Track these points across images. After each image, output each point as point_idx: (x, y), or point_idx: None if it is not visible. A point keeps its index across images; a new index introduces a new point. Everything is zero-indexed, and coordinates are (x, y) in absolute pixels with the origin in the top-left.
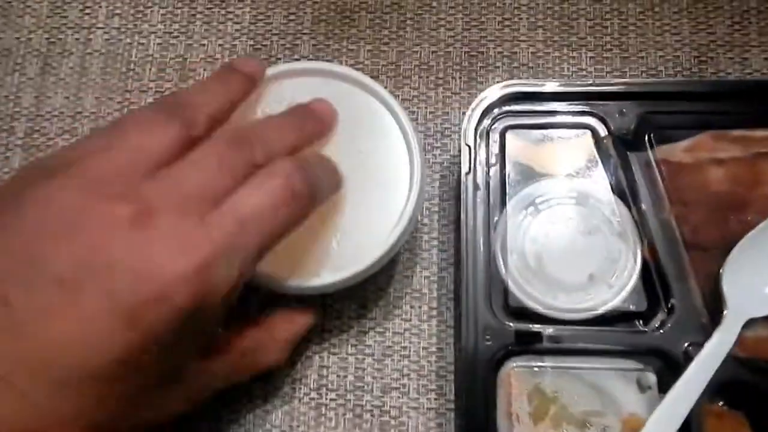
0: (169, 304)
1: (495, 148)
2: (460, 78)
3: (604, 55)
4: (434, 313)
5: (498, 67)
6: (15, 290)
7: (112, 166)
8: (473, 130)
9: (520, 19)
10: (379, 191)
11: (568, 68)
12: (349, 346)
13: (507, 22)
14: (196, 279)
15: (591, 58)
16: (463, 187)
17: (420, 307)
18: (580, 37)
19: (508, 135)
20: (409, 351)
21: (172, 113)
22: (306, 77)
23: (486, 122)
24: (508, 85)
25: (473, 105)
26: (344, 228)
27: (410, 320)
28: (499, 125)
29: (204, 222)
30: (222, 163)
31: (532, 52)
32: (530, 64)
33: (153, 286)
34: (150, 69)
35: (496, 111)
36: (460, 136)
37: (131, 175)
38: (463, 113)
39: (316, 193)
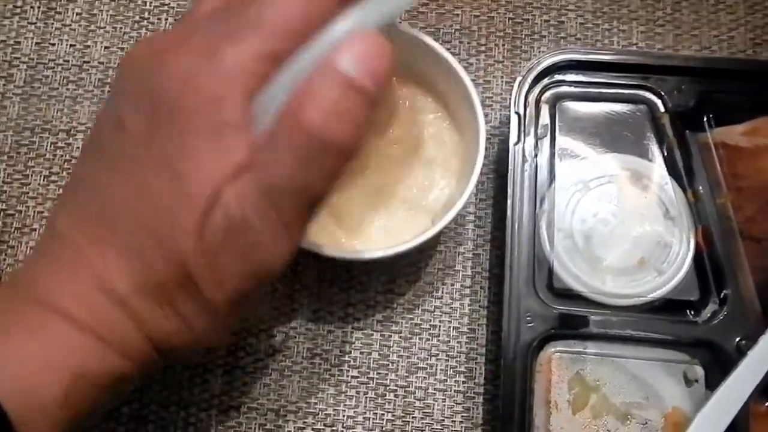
0: None
1: (545, 119)
2: (504, 45)
3: (656, 30)
4: (467, 291)
5: (544, 36)
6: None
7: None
8: (524, 98)
9: None
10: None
11: (617, 42)
12: (375, 322)
13: None
14: None
15: (642, 32)
16: (510, 158)
17: (453, 285)
18: (631, 9)
19: (560, 106)
20: (439, 330)
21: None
22: None
23: (536, 90)
24: (562, 51)
25: (524, 71)
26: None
27: (441, 298)
28: (551, 95)
29: None
30: None
31: (580, 23)
32: (578, 35)
33: None
34: (166, 19)
35: (547, 80)
36: (510, 103)
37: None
38: (506, 83)
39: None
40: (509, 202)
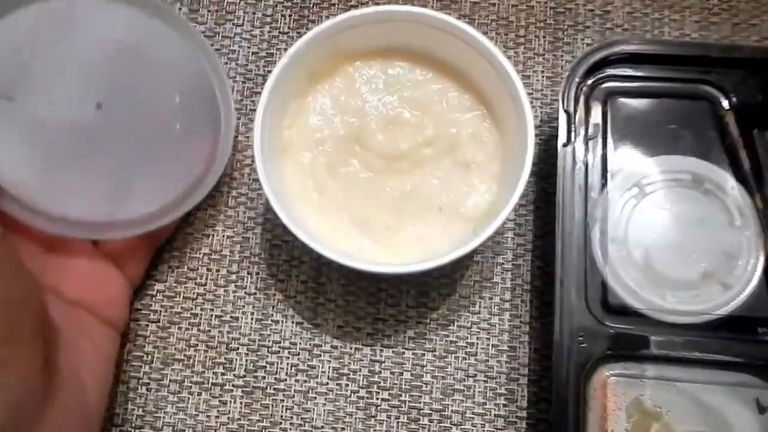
0: None
1: (596, 117)
2: (544, 38)
3: (711, 20)
4: (507, 306)
5: (588, 27)
6: None
7: None
8: (573, 94)
9: None
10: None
11: (669, 32)
12: (407, 339)
13: None
14: None
15: (695, 22)
16: (559, 160)
17: (491, 299)
18: None
19: (612, 103)
20: (476, 348)
21: None
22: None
23: (586, 86)
24: (614, 43)
25: (573, 64)
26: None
27: (479, 313)
28: (602, 90)
29: None
30: None
31: (627, 12)
32: (626, 26)
33: None
34: (179, 7)
35: (597, 74)
36: (559, 99)
37: None
38: (547, 78)
39: None
40: (558, 209)
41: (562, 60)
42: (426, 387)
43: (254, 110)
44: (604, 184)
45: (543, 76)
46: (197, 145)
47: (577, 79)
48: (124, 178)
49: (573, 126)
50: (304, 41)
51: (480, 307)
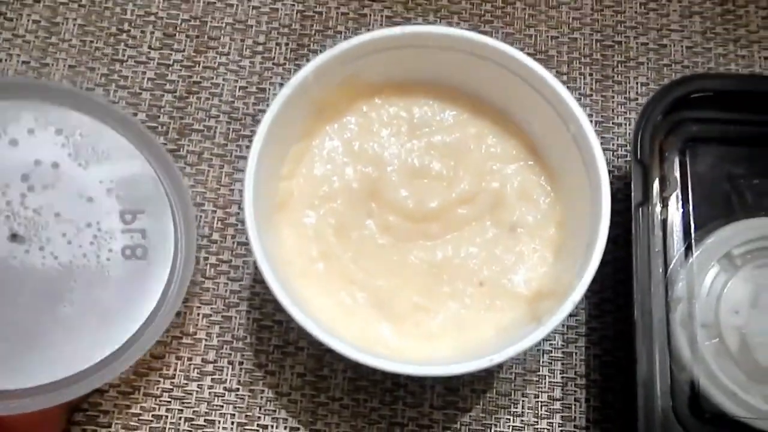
0: None
1: (674, 170)
2: (591, 75)
3: None
4: (557, 406)
5: (642, 63)
6: None
7: None
8: (648, 142)
9: (670, 1)
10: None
11: (735, 69)
12: None
13: (653, 4)
14: None
15: (766, 58)
16: (634, 224)
17: (537, 397)
18: (750, 30)
19: (692, 151)
20: None
21: None
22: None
23: (661, 132)
24: (693, 78)
25: (646, 104)
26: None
27: (522, 416)
28: (679, 138)
29: None
30: None
31: (687, 47)
32: (685, 62)
33: None
34: (153, 33)
35: (674, 117)
36: (634, 151)
37: None
38: (597, 122)
39: None
40: (635, 287)
41: (612, 102)
42: None
43: (241, 157)
44: (687, 255)
45: (593, 120)
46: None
47: (653, 123)
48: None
49: (650, 181)
50: (311, 68)
51: (524, 407)
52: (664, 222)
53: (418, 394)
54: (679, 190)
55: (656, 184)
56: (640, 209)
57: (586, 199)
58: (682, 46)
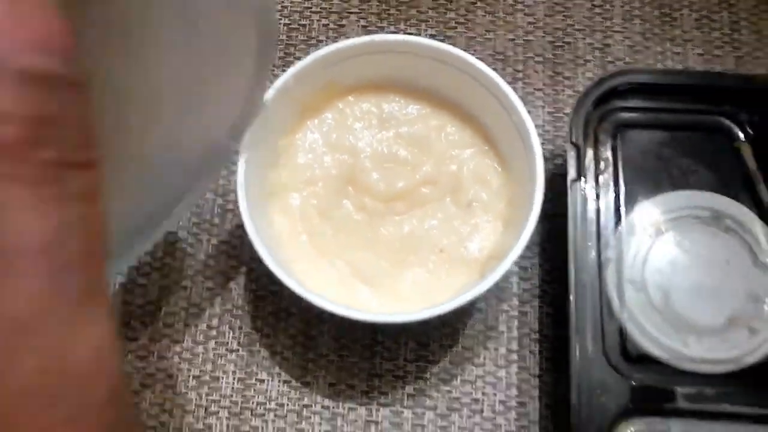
0: None
1: (606, 151)
2: (543, 71)
3: (714, 52)
4: (514, 357)
5: (588, 60)
6: None
7: None
8: (582, 126)
9: (613, 6)
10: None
11: (671, 66)
12: (405, 396)
13: (598, 9)
14: None
15: (699, 55)
16: (570, 198)
17: (496, 350)
18: (684, 30)
19: (622, 135)
20: (482, 405)
21: None
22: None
23: (595, 118)
24: (622, 73)
25: (581, 95)
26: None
27: (484, 365)
28: (611, 123)
29: None
30: None
31: (628, 45)
32: (627, 59)
33: None
34: None
35: (607, 106)
36: (570, 134)
37: None
38: (548, 113)
39: None
40: (570, 249)
41: (563, 95)
42: None
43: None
44: (617, 222)
45: (544, 111)
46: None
47: (585, 111)
48: None
49: (582, 160)
50: (292, 74)
51: (485, 359)
52: (598, 196)
53: (393, 350)
54: (611, 169)
55: (591, 164)
56: (576, 184)
57: (527, 177)
58: (624, 45)
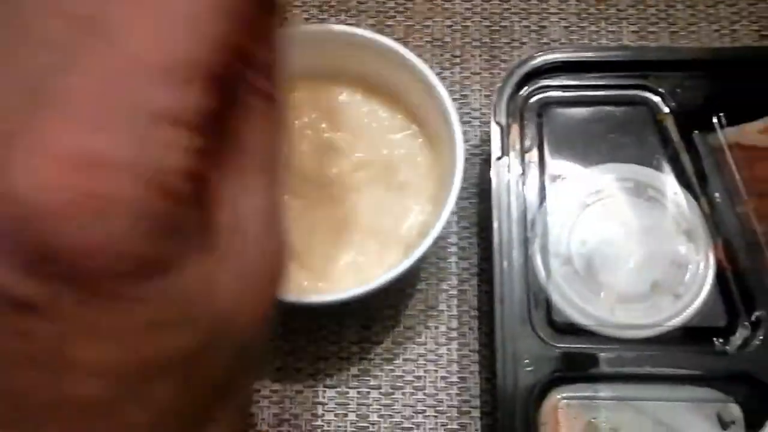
0: None
1: (531, 129)
2: (480, 56)
3: (649, 29)
4: (454, 334)
5: (525, 43)
6: None
7: None
8: (505, 106)
9: None
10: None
11: (607, 44)
12: (350, 377)
13: None
14: None
15: (633, 32)
16: (493, 175)
17: (437, 328)
18: (619, 9)
19: (547, 113)
20: (425, 382)
21: None
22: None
23: (520, 98)
24: (546, 52)
25: (505, 76)
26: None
27: (425, 344)
28: (536, 102)
29: None
30: None
31: (564, 26)
32: (562, 40)
33: None
34: None
35: (531, 85)
36: (493, 113)
37: None
38: (485, 96)
39: None
40: (495, 226)
41: (499, 77)
42: (373, 428)
43: None
44: (543, 198)
45: (481, 95)
46: None
47: (508, 91)
48: None
49: (506, 139)
50: None
51: (426, 337)
52: (524, 173)
53: (337, 333)
54: (536, 146)
55: (516, 143)
56: (499, 162)
57: (452, 157)
58: (559, 26)
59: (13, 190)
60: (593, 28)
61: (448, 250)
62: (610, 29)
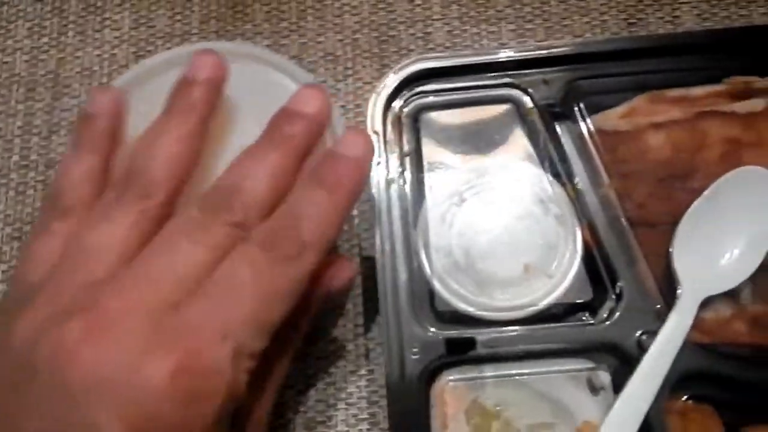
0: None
1: (408, 134)
2: (372, 66)
3: (526, 26)
4: (361, 330)
5: (412, 50)
6: None
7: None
8: (381, 115)
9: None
10: None
11: (488, 44)
12: None
13: (418, 1)
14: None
15: (511, 30)
16: (374, 181)
17: (344, 325)
18: (497, 10)
19: (423, 118)
20: (335, 377)
21: (126, 185)
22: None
23: (396, 105)
24: (416, 61)
25: (379, 87)
26: None
27: (335, 341)
28: (412, 108)
29: (177, 312)
30: (193, 238)
31: (447, 31)
32: (447, 44)
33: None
34: (17, 89)
35: (406, 92)
36: (368, 123)
37: (88, 284)
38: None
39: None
40: (378, 228)
41: None
42: (289, 424)
43: None
44: (422, 197)
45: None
46: None
47: (383, 100)
48: None
49: (384, 145)
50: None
51: (335, 334)
52: (404, 176)
53: None
54: (415, 151)
55: (396, 147)
56: (378, 167)
57: None
58: (443, 32)
59: None
60: (474, 30)
61: (352, 251)
62: (490, 30)
